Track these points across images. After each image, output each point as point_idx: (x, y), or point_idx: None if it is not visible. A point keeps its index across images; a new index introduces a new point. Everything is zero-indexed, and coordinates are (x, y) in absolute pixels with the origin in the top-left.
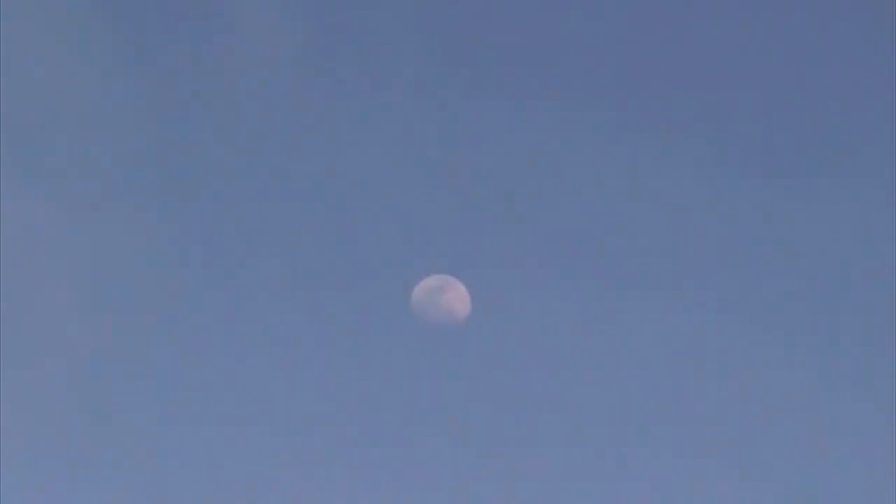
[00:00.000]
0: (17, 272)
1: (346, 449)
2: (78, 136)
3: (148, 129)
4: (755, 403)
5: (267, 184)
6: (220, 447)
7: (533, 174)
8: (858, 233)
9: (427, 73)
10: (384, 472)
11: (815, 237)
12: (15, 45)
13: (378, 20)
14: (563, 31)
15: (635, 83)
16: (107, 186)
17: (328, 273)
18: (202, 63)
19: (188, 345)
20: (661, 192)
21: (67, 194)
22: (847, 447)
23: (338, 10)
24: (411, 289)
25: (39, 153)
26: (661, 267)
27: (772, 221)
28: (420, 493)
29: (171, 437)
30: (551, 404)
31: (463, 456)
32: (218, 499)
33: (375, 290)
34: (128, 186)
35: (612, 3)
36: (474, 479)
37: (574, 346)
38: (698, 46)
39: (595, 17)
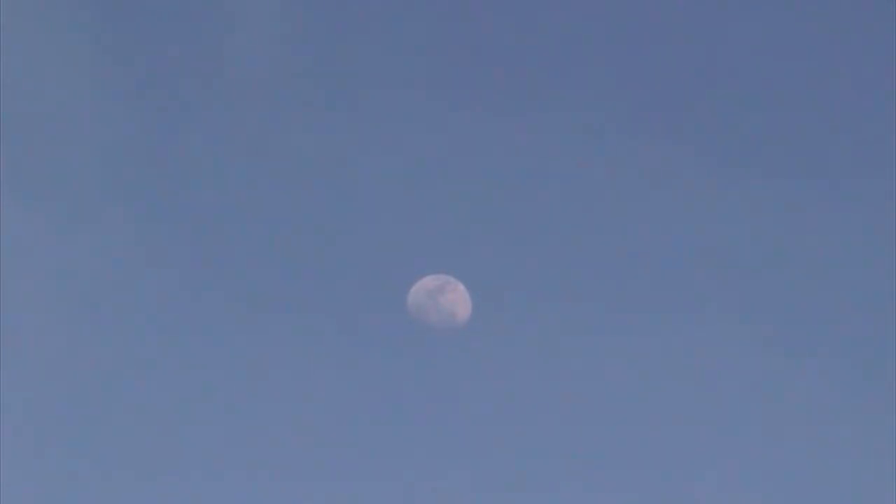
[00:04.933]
0: (10, 273)
1: (343, 453)
2: (71, 137)
3: (142, 129)
4: (759, 410)
5: (263, 183)
6: (214, 451)
7: (535, 174)
8: (874, 239)
9: (428, 72)
10: (383, 476)
11: (826, 244)
12: (6, 48)
13: (378, 19)
14: (567, 33)
15: (640, 86)
16: (100, 188)
17: (324, 273)
18: (198, 62)
19: (182, 347)
20: (665, 195)
21: (60, 197)
22: (863, 456)
23: (337, 7)
24: (410, 289)
25: (34, 154)
26: (663, 269)
27: (782, 228)
28: (419, 497)
29: (163, 440)
30: (553, 409)
31: (463, 460)
32: (210, 497)
33: (374, 291)
34: (121, 187)
35: (615, 6)
36: (475, 485)
37: (578, 350)
38: (703, 49)
39: (598, 20)
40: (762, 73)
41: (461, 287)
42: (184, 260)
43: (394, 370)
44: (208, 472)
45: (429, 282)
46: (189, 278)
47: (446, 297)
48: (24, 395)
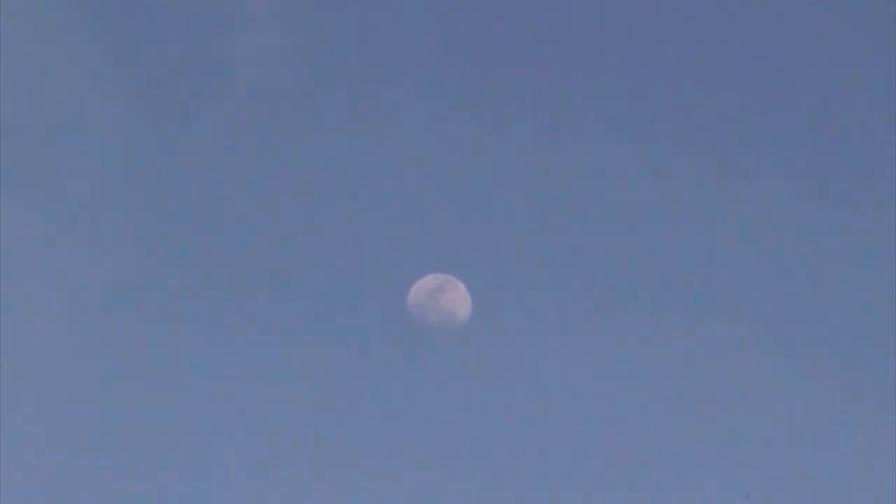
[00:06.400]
0: (10, 276)
1: (343, 451)
2: (73, 139)
3: (144, 130)
4: (759, 410)
5: (263, 184)
6: (213, 450)
7: (535, 175)
8: (875, 239)
9: (429, 74)
10: (382, 474)
11: (826, 244)
12: (9, 50)
13: (378, 21)
14: (567, 35)
15: (641, 87)
16: (100, 189)
17: (324, 273)
18: (200, 65)
19: (182, 347)
20: (665, 195)
21: (60, 198)
22: (863, 456)
23: (337, 9)
24: (410, 289)
25: (35, 158)
26: (664, 269)
27: (782, 228)
28: (418, 495)
29: (163, 440)
30: (553, 409)
31: (462, 459)
32: (212, 498)
33: (374, 291)
34: (122, 189)
35: (615, 9)
36: (474, 483)
37: (577, 350)
38: (703, 49)
39: (598, 21)
40: (762, 74)
41: (461, 287)
42: (184, 261)
43: (394, 370)
44: (208, 471)
45: (429, 282)
46: (189, 279)
47: (446, 296)
48: (24, 395)
